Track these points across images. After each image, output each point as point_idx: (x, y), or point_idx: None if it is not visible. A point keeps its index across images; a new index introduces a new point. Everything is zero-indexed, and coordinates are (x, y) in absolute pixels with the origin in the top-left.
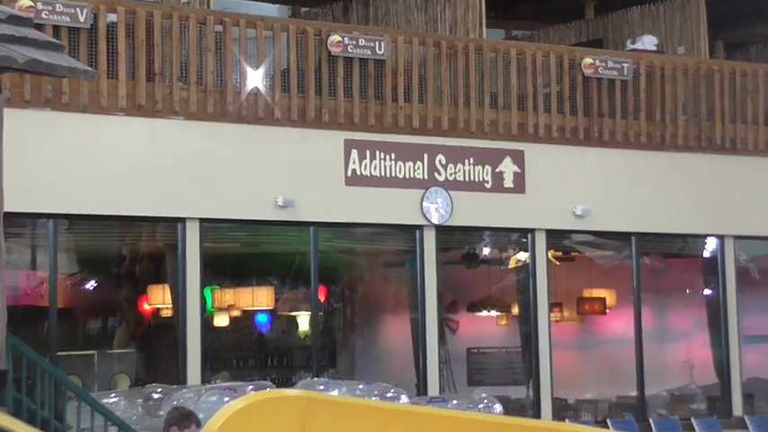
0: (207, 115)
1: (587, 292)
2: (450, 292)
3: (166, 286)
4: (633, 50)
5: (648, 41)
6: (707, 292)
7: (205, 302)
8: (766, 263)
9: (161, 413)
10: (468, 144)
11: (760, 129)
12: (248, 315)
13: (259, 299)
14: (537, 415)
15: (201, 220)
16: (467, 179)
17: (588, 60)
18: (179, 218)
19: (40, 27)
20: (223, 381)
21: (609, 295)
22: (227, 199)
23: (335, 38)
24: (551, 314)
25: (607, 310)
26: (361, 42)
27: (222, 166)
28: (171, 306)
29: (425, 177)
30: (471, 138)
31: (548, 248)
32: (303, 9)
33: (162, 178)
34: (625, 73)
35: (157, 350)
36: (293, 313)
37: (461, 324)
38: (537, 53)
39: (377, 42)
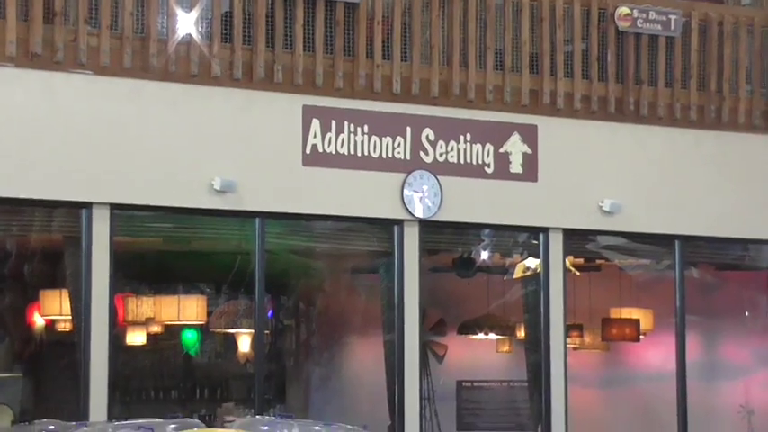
0: (123, 70)
1: (615, 312)
2: (436, 307)
3: (65, 292)
4: None
5: None
6: None
7: (116, 314)
8: None
9: None
10: (465, 116)
11: None
12: (172, 332)
13: (186, 311)
14: None
15: (113, 207)
16: (462, 161)
17: (624, 10)
18: (83, 202)
19: None
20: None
21: (644, 316)
22: (147, 180)
23: None
24: (568, 339)
25: (641, 336)
26: None
27: (142, 136)
28: (70, 318)
29: (408, 158)
30: (469, 108)
31: (565, 254)
32: None
33: (62, 151)
34: (672, 27)
35: (51, 375)
36: (230, 331)
37: (450, 350)
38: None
39: None
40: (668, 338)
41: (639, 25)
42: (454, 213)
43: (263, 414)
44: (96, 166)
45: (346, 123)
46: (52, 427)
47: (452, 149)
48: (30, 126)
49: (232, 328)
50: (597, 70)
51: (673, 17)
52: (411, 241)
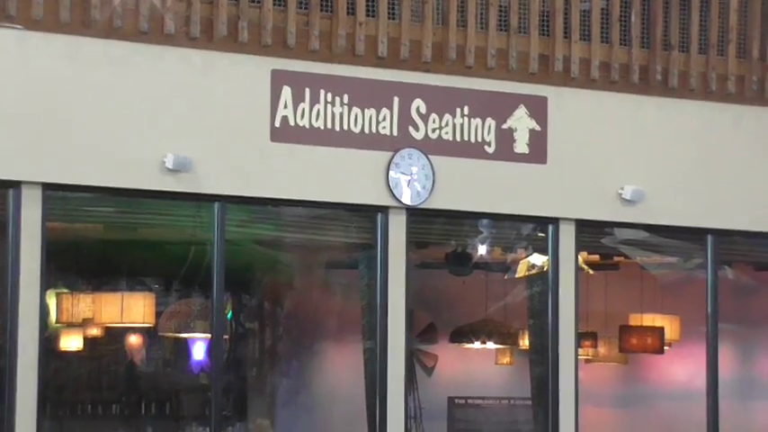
0: (59, 25)
1: (636, 319)
2: (425, 310)
3: None
4: None
5: None
6: None
7: (47, 314)
8: None
9: None
10: (462, 84)
11: None
12: (114, 335)
13: (131, 311)
14: None
15: (45, 187)
16: (458, 138)
17: None
18: (10, 181)
19: None
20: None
21: (669, 324)
22: (86, 156)
23: None
24: (580, 350)
25: (666, 347)
26: None
27: (81, 104)
28: None
29: (395, 134)
30: (467, 75)
31: (578, 249)
32: None
33: None
34: None
35: None
36: (183, 335)
37: (442, 360)
38: None
39: None
40: (697, 350)
41: None
42: (448, 200)
43: None
44: (26, 139)
45: (323, 92)
46: None
47: (447, 124)
48: None
49: (185, 331)
50: (619, 32)
51: None
52: (397, 232)
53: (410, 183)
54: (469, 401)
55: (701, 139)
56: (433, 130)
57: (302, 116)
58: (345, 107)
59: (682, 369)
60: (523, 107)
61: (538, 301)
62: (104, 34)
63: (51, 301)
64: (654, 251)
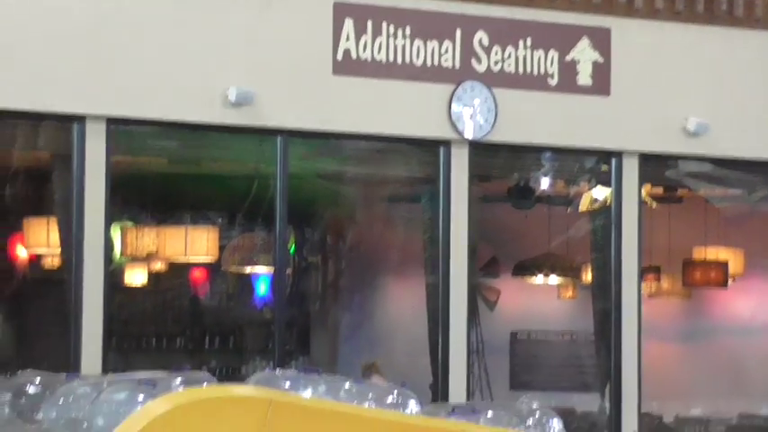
0: None
1: (700, 252)
2: (488, 244)
3: (52, 220)
4: None
5: None
6: None
7: (112, 248)
8: None
9: (40, 417)
10: (525, 16)
11: None
12: (178, 269)
13: (195, 245)
14: None
15: (109, 121)
16: (520, 71)
17: None
18: (74, 115)
19: None
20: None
21: (733, 258)
22: (149, 89)
23: None
24: (643, 284)
25: (730, 281)
26: None
27: (144, 38)
28: (59, 252)
29: (457, 66)
30: (529, 6)
31: (641, 182)
32: None
33: (48, 53)
34: None
35: (35, 319)
36: (246, 269)
37: (504, 295)
38: None
39: None
40: (762, 284)
41: None
42: (510, 133)
43: (283, 367)
44: (90, 73)
45: (385, 24)
46: (38, 379)
47: (510, 57)
48: (9, 24)
49: (248, 265)
50: None
51: None
52: (459, 165)
53: (472, 116)
54: (532, 336)
55: (766, 71)
56: (496, 63)
57: (364, 49)
58: (408, 39)
59: (745, 303)
60: (586, 38)
61: (601, 234)
62: None
63: (116, 235)
64: (718, 184)
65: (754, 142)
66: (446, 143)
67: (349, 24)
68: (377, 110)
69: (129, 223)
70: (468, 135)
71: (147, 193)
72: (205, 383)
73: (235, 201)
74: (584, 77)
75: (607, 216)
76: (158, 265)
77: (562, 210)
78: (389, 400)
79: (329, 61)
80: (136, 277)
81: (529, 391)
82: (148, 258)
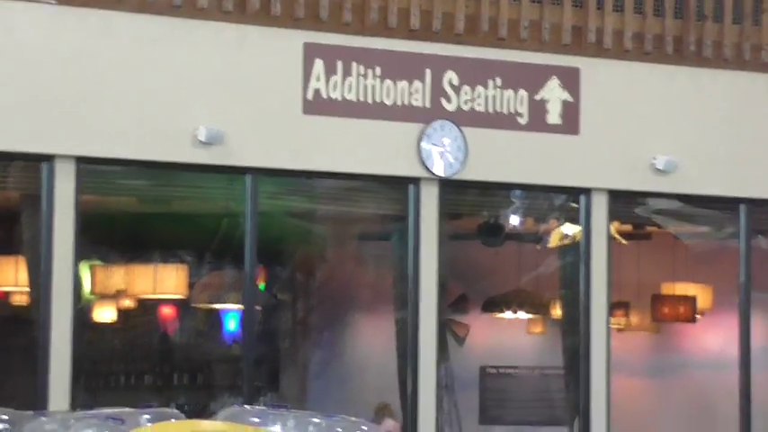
0: (93, 0)
1: (668, 288)
2: (457, 280)
3: (20, 259)
4: None
5: None
6: None
7: (80, 286)
8: None
9: None
10: (495, 56)
11: None
12: (147, 307)
13: (164, 282)
14: None
15: (79, 160)
16: (490, 110)
17: None
18: (44, 155)
19: None
20: None
21: (701, 293)
22: (119, 128)
23: None
24: (612, 319)
25: (698, 316)
26: None
27: (114, 78)
28: (27, 290)
29: (427, 105)
30: (499, 47)
31: (610, 219)
32: None
33: (20, 94)
34: None
35: (3, 357)
36: (216, 306)
37: (473, 330)
38: None
39: None
40: (730, 319)
41: None
42: (480, 171)
43: (252, 404)
44: (60, 113)
45: (355, 64)
46: (5, 417)
47: (479, 96)
48: None
49: (217, 302)
50: (653, 3)
51: None
52: (429, 203)
53: (442, 154)
54: (501, 371)
55: (734, 109)
56: (466, 102)
57: (334, 89)
58: (378, 79)
59: (714, 338)
60: (556, 78)
61: (570, 271)
62: (137, 9)
63: (85, 274)
64: (686, 221)
65: (721, 180)
66: (416, 181)
67: (319, 64)
68: (347, 149)
69: (98, 262)
70: (438, 173)
71: (116, 231)
72: (173, 420)
73: (204, 239)
74: (554, 116)
75: (576, 253)
76: (127, 303)
77: (532, 247)
78: None
79: (299, 101)
80: (105, 315)
81: (498, 425)
82: (117, 296)
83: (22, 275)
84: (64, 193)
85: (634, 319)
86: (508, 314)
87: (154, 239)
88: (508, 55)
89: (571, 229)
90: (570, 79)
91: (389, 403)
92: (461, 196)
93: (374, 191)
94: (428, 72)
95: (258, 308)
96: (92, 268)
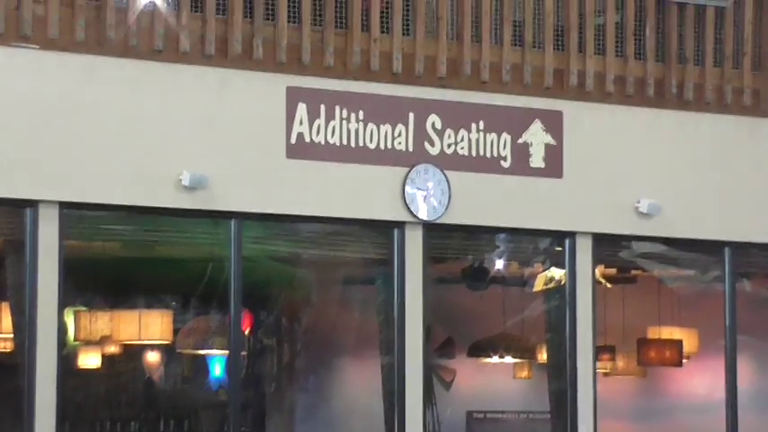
0: (74, 44)
1: (654, 332)
2: (443, 325)
3: (4, 305)
4: None
5: None
6: None
7: (65, 332)
8: None
9: None
10: (477, 99)
11: None
12: (132, 353)
13: (149, 328)
14: None
15: (62, 205)
16: (473, 153)
17: None
18: (26, 200)
19: None
20: None
21: (687, 337)
22: (102, 173)
23: None
24: (598, 363)
25: (684, 360)
26: None
27: (97, 123)
28: (10, 336)
29: (410, 149)
30: (482, 90)
31: (595, 263)
32: None
33: (1, 139)
34: None
35: None
36: (201, 352)
37: (460, 375)
38: None
39: None
40: (716, 363)
41: None
42: (464, 215)
43: None
44: (42, 158)
45: (338, 108)
46: None
47: (463, 140)
48: None
49: (202, 348)
50: (634, 46)
51: None
52: (414, 247)
53: (426, 198)
54: (488, 415)
55: (717, 153)
56: (449, 146)
57: (318, 132)
58: (361, 123)
59: (700, 382)
60: (539, 122)
61: (555, 314)
62: (119, 53)
63: (69, 319)
64: (671, 264)
65: (706, 223)
66: (400, 225)
67: (302, 108)
68: (330, 193)
69: (83, 307)
70: (423, 217)
71: (100, 277)
72: None
73: (189, 284)
74: (537, 160)
75: (561, 296)
76: (112, 349)
77: (517, 290)
78: None
79: (282, 145)
80: (89, 361)
81: None
82: (102, 342)
83: (6, 321)
84: (47, 238)
85: (620, 363)
86: (494, 358)
87: (138, 285)
88: (491, 98)
89: (556, 273)
90: (553, 122)
91: None
92: (446, 240)
93: (358, 235)
94: (411, 115)
95: (243, 353)
96: (76, 314)
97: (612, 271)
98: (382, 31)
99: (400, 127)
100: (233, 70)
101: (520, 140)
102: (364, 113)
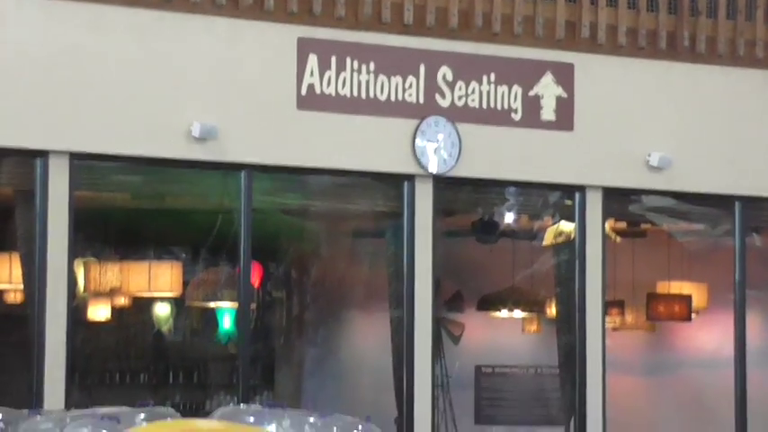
0: None
1: (663, 286)
2: (452, 278)
3: (14, 256)
4: None
5: None
6: None
7: (75, 283)
8: None
9: None
10: (489, 51)
11: None
12: (141, 305)
13: (159, 280)
14: None
15: (72, 156)
16: (484, 106)
17: None
18: (37, 150)
19: None
20: None
21: (697, 291)
22: (112, 124)
23: None
24: (607, 318)
25: (693, 315)
26: None
27: (106, 73)
28: (20, 287)
29: (421, 101)
30: (493, 42)
31: (605, 216)
32: None
33: (10, 89)
34: None
35: None
36: (210, 304)
37: (468, 329)
38: None
39: None
40: (725, 318)
41: None
42: (474, 168)
43: (248, 402)
44: (52, 108)
45: (349, 60)
46: (0, 414)
47: (473, 92)
48: None
49: (212, 300)
50: None
51: None
52: (424, 200)
53: (436, 150)
54: (496, 370)
55: (728, 106)
56: (460, 98)
57: (328, 84)
58: (372, 75)
59: (709, 337)
60: (550, 74)
61: (565, 269)
62: (129, 2)
63: (79, 271)
64: (681, 218)
65: (716, 177)
66: (410, 178)
67: (313, 60)
68: (341, 145)
69: (93, 259)
70: (433, 170)
71: (110, 228)
72: (169, 419)
73: (199, 235)
74: (548, 113)
75: (571, 250)
76: (122, 301)
77: (526, 244)
78: None
79: (293, 96)
80: (99, 313)
81: (494, 425)
82: (111, 294)
83: (16, 272)
84: (58, 189)
85: (629, 317)
86: (503, 312)
87: (148, 236)
88: (502, 50)
89: (566, 227)
90: (564, 75)
91: None
92: (455, 193)
93: (368, 187)
94: (422, 67)
95: (252, 305)
96: (86, 265)
97: (622, 225)
98: None
99: (411, 79)
100: (244, 20)
101: (531, 93)
102: (375, 65)
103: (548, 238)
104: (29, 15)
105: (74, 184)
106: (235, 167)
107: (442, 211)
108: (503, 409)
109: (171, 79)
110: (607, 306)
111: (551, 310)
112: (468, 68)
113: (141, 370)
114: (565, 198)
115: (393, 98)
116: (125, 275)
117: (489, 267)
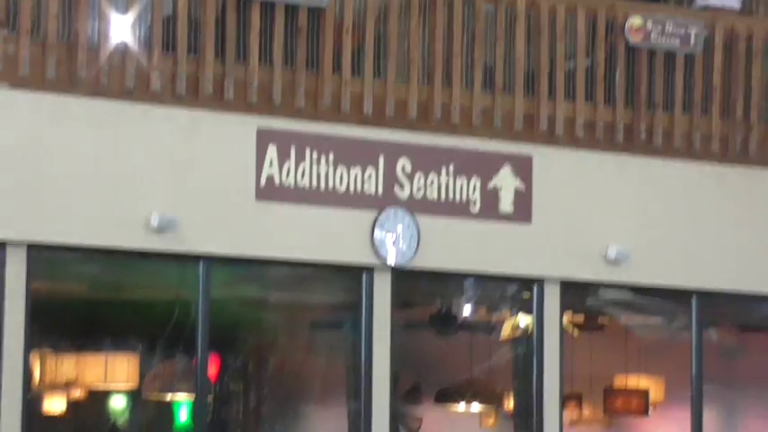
0: (45, 83)
1: (621, 380)
2: (410, 371)
3: None
4: (705, 8)
5: None
6: None
7: (30, 376)
8: None
9: None
10: (448, 143)
11: None
12: (97, 397)
13: (115, 372)
14: None
15: (30, 247)
16: (443, 198)
17: (636, 22)
18: None
19: None
20: None
21: (654, 386)
22: (72, 215)
23: None
24: (565, 412)
25: (650, 409)
26: None
27: (66, 163)
28: None
29: (380, 193)
30: (452, 134)
31: (563, 310)
32: None
33: None
34: (691, 42)
35: None
36: (167, 396)
37: (426, 422)
38: (558, 7)
39: None
40: (682, 412)
41: (654, 39)
42: (433, 259)
43: None
44: (11, 198)
45: (308, 150)
46: None
47: (432, 183)
48: None
49: (168, 392)
50: (603, 92)
51: (693, 31)
52: (382, 292)
53: (395, 242)
54: None
55: (685, 200)
56: (418, 189)
57: (287, 175)
58: (331, 166)
59: (666, 431)
60: (508, 166)
61: (522, 362)
62: (90, 93)
63: (35, 363)
64: (638, 312)
65: (673, 270)
66: (369, 269)
67: (272, 150)
68: (300, 236)
69: (49, 350)
70: (391, 261)
71: (67, 319)
72: None
73: (156, 327)
74: (506, 205)
75: (529, 343)
76: (77, 394)
77: (485, 337)
78: None
79: (252, 187)
80: (55, 405)
81: None
82: (67, 387)
83: None
84: (14, 279)
85: (587, 411)
86: (461, 405)
87: (105, 327)
88: (461, 142)
89: (523, 320)
90: (522, 167)
91: None
92: (414, 285)
93: (327, 279)
94: (381, 158)
95: (209, 397)
96: (42, 357)
97: (580, 318)
98: (353, 74)
99: (370, 170)
100: (204, 111)
101: (489, 185)
102: (334, 156)
103: (505, 331)
104: None
105: (31, 275)
106: (193, 258)
107: (400, 302)
108: None
109: (130, 170)
110: (564, 400)
111: (509, 404)
112: (427, 160)
113: None
114: (523, 291)
115: (352, 189)
116: (81, 367)
117: (447, 360)
